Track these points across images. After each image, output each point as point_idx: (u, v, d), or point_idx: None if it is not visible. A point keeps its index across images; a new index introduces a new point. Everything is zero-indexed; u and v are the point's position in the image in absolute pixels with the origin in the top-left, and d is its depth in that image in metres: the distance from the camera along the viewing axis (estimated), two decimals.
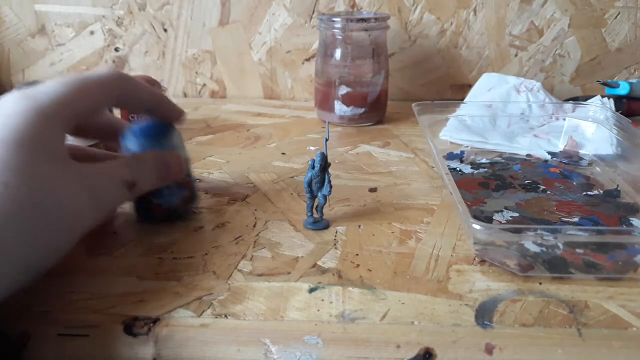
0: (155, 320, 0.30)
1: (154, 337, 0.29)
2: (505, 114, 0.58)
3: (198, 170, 0.51)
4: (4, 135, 0.28)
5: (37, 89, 0.31)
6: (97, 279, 0.34)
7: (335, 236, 0.39)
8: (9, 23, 0.77)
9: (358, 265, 0.35)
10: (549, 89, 0.74)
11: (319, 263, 0.36)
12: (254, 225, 0.41)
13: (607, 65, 0.75)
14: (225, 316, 0.30)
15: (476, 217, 0.37)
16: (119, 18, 0.77)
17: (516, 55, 0.76)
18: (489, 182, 0.48)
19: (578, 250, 0.35)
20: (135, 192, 0.35)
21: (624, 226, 0.41)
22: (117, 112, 0.61)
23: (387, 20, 0.64)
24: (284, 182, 0.49)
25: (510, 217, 0.42)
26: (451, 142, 0.57)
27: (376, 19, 0.63)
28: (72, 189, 0.30)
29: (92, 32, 0.78)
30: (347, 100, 0.64)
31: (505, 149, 0.56)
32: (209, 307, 0.31)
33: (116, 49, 0.79)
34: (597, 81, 0.67)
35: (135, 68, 0.79)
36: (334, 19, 0.63)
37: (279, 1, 0.75)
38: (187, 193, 0.41)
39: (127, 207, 0.42)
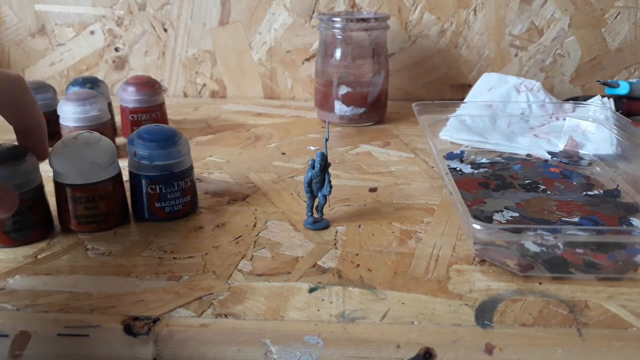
0: (155, 320, 0.30)
1: (154, 337, 0.29)
2: (505, 114, 0.58)
3: (198, 170, 0.51)
4: None
5: None
6: (97, 279, 0.34)
7: (335, 236, 0.39)
8: (9, 23, 0.77)
9: (358, 265, 0.35)
10: (549, 89, 0.74)
11: (319, 263, 0.36)
12: (254, 225, 0.41)
13: (607, 65, 0.75)
14: (225, 316, 0.30)
15: (476, 217, 0.37)
16: (119, 18, 0.77)
17: (516, 55, 0.76)
18: (489, 182, 0.48)
19: (578, 250, 0.35)
20: None
21: (624, 226, 0.41)
22: (117, 112, 0.62)
23: (387, 20, 0.64)
24: (284, 182, 0.49)
25: (510, 217, 0.42)
26: (451, 142, 0.57)
27: (376, 19, 0.63)
28: None
29: (92, 32, 0.78)
30: (347, 100, 0.64)
31: (505, 149, 0.56)
32: (209, 307, 0.31)
33: (116, 49, 0.79)
34: (597, 81, 0.66)
35: (135, 68, 0.79)
36: (334, 19, 0.63)
37: (279, 1, 0.75)
38: (189, 198, 0.42)
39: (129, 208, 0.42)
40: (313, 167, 0.39)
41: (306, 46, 0.77)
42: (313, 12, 0.75)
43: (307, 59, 0.77)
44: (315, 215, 0.41)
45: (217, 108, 0.74)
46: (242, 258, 0.36)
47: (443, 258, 0.36)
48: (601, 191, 0.47)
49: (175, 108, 0.73)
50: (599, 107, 0.55)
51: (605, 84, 0.65)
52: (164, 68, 0.79)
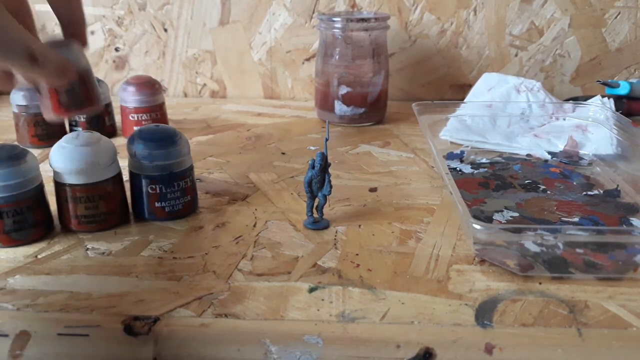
0: (155, 320, 0.30)
1: (154, 337, 0.29)
2: (505, 114, 0.58)
3: (198, 170, 0.51)
4: None
5: None
6: (97, 279, 0.34)
7: (335, 236, 0.39)
8: None
9: (358, 265, 0.35)
10: (549, 89, 0.74)
11: (319, 263, 0.36)
12: (254, 225, 0.41)
13: (607, 65, 0.75)
14: (225, 316, 0.30)
15: (476, 217, 0.37)
16: (119, 18, 0.77)
17: (516, 55, 0.76)
18: (489, 182, 0.48)
19: (578, 250, 0.35)
20: (30, 69, 0.34)
21: (624, 226, 0.41)
22: (117, 112, 0.62)
23: (387, 20, 0.64)
24: (284, 182, 0.49)
25: (510, 217, 0.42)
26: (451, 142, 0.57)
27: (376, 19, 0.63)
28: None
29: (92, 32, 0.78)
30: (347, 100, 0.64)
31: (505, 149, 0.56)
32: (209, 307, 0.31)
33: (116, 49, 0.79)
34: (597, 81, 0.67)
35: (136, 68, 0.79)
36: (334, 19, 0.63)
37: (279, 1, 0.75)
38: (190, 198, 0.42)
39: (129, 208, 0.42)
40: (313, 167, 0.39)
41: (306, 46, 0.77)
42: (313, 12, 0.75)
43: (307, 59, 0.77)
44: (315, 215, 0.41)
45: (217, 108, 0.74)
46: (242, 258, 0.36)
47: (443, 258, 0.36)
48: (601, 191, 0.47)
49: (175, 108, 0.73)
50: (599, 107, 0.55)
51: (605, 84, 0.65)
52: (164, 68, 0.79)
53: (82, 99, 0.38)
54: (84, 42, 0.42)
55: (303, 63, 0.78)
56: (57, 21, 0.39)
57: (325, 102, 0.66)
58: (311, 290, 0.33)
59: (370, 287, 0.33)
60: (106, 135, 0.41)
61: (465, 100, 0.65)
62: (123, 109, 0.59)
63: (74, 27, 0.41)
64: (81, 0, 0.41)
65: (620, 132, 0.51)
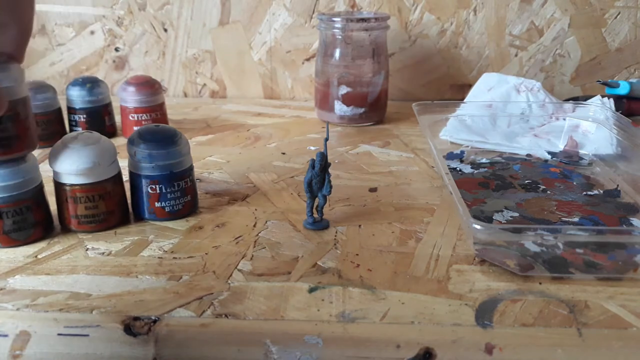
0: (155, 320, 0.30)
1: (154, 337, 0.29)
2: (505, 114, 0.58)
3: (198, 170, 0.51)
4: None
5: None
6: (97, 279, 0.34)
7: (335, 236, 0.39)
8: None
9: (358, 265, 0.35)
10: (549, 89, 0.74)
11: (319, 263, 0.36)
12: (254, 225, 0.41)
13: (607, 65, 0.75)
14: (225, 316, 0.30)
15: (476, 217, 0.37)
16: (119, 18, 0.77)
17: (516, 55, 0.76)
18: (489, 182, 0.48)
19: (578, 250, 0.35)
20: None
21: (624, 226, 0.41)
22: (117, 112, 0.62)
23: (387, 20, 0.64)
24: (284, 182, 0.49)
25: (510, 217, 0.42)
26: (451, 142, 0.57)
27: (376, 19, 0.63)
28: None
29: (92, 32, 0.78)
30: (347, 100, 0.64)
31: (505, 149, 0.56)
32: (209, 307, 0.31)
33: (116, 49, 0.79)
34: (597, 81, 0.66)
35: (136, 68, 0.79)
36: (334, 19, 0.63)
37: (279, 1, 0.75)
38: (190, 198, 0.42)
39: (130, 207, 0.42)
40: (313, 167, 0.39)
41: (306, 46, 0.77)
42: (313, 12, 0.75)
43: (307, 59, 0.77)
44: (315, 215, 0.41)
45: (217, 108, 0.74)
46: (242, 258, 0.36)
47: (443, 258, 0.36)
48: (601, 191, 0.47)
49: (175, 108, 0.73)
50: (599, 107, 0.55)
51: (605, 84, 0.65)
52: (164, 68, 0.79)
53: (12, 138, 0.34)
54: (20, 57, 0.33)
55: (303, 63, 0.78)
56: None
57: (325, 102, 0.66)
58: (311, 290, 0.33)
59: (370, 287, 0.33)
60: (106, 135, 0.41)
61: (465, 100, 0.65)
62: (123, 109, 0.59)
63: (18, 27, 0.32)
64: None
65: (620, 132, 0.51)
